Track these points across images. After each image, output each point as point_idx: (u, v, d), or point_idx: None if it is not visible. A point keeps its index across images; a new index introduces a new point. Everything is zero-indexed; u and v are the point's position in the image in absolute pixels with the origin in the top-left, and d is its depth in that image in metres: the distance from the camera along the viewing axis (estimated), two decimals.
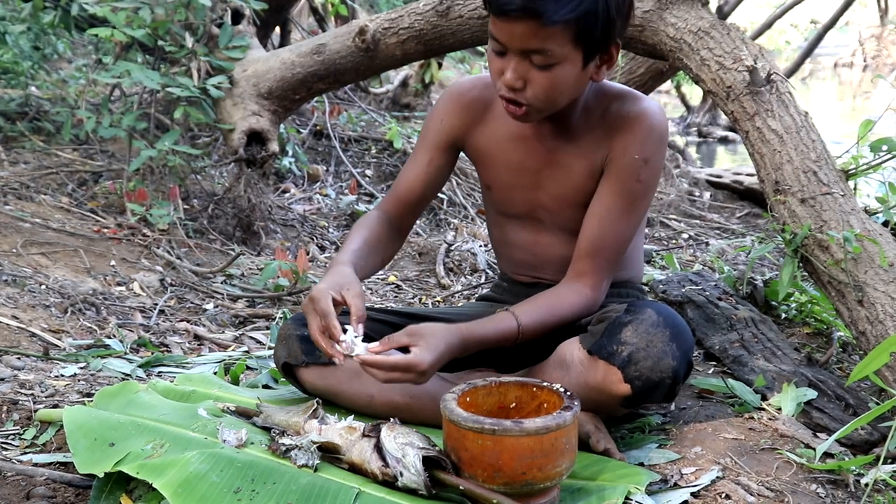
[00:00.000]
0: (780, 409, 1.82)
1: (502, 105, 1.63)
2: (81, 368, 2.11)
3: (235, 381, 2.06)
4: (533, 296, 1.73)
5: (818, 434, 1.73)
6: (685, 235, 4.37)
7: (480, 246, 3.69)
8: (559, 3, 1.46)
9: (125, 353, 2.27)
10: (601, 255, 1.72)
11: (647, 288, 2.85)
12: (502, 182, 1.83)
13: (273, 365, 2.03)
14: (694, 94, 9.76)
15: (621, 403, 1.59)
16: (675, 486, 1.52)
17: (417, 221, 4.23)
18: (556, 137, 1.73)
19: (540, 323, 1.67)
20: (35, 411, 1.77)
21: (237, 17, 3.83)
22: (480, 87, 1.80)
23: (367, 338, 1.76)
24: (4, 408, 1.79)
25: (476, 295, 3.06)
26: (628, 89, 1.74)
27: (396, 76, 6.22)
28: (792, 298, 2.54)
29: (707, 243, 4.16)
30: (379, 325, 1.83)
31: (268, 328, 2.68)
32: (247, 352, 2.39)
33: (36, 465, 1.57)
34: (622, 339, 1.55)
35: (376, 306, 1.96)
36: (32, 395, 1.88)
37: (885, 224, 2.13)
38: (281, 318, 2.66)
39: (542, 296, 1.73)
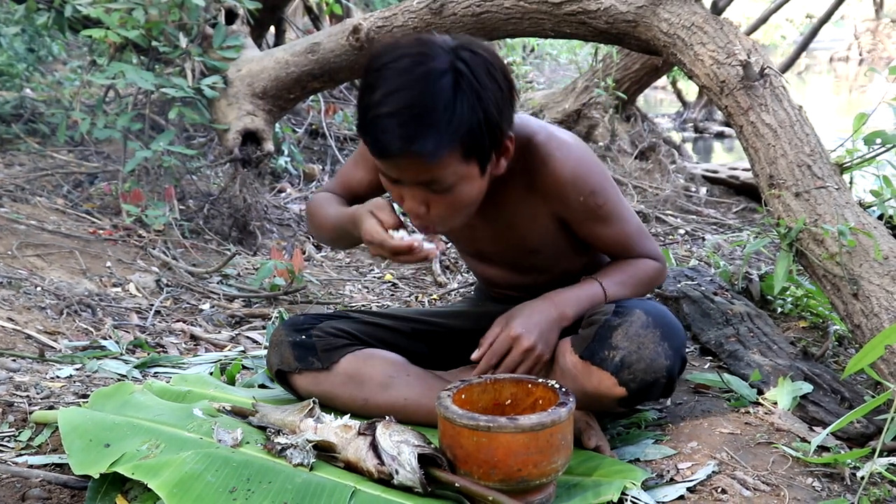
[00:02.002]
0: (775, 403, 1.82)
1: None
2: (77, 370, 2.11)
3: (231, 381, 2.06)
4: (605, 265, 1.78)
5: (814, 428, 1.73)
6: (681, 231, 4.37)
7: None
8: (438, 134, 1.37)
9: (121, 355, 2.26)
10: (630, 248, 1.76)
11: None
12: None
13: None
14: (690, 89, 9.75)
15: (617, 404, 1.59)
16: (671, 481, 1.51)
17: None
18: (487, 200, 1.62)
19: (619, 281, 1.72)
20: (30, 413, 1.76)
21: (231, 16, 3.83)
22: None
23: (356, 339, 1.77)
24: (0, 410, 1.78)
25: (465, 295, 3.06)
26: (531, 129, 1.62)
27: None
28: (787, 293, 2.54)
29: (703, 238, 4.16)
30: (371, 327, 1.83)
31: (264, 328, 2.68)
32: (243, 351, 2.38)
33: (31, 466, 1.56)
34: (613, 344, 1.54)
35: (367, 309, 1.97)
36: (28, 396, 1.87)
37: (880, 217, 2.13)
38: (277, 317, 2.66)
39: (612, 263, 1.78)
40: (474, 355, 1.63)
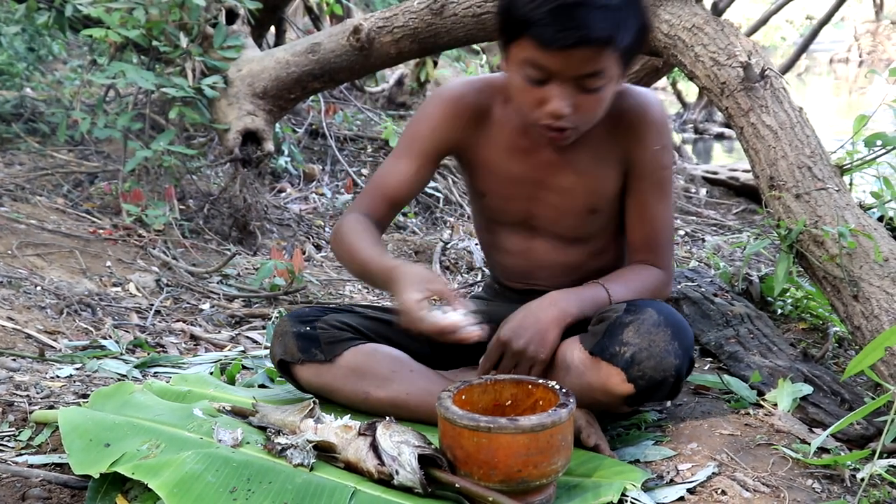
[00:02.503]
0: (775, 404, 1.82)
1: (539, 131, 1.59)
2: (77, 369, 2.11)
3: (231, 381, 2.06)
4: (610, 273, 1.77)
5: (814, 429, 1.73)
6: (681, 232, 4.37)
7: (476, 244, 3.69)
8: (628, 25, 1.45)
9: (121, 354, 2.26)
10: (658, 244, 1.78)
11: None
12: (498, 192, 1.80)
13: (269, 364, 2.03)
14: (690, 90, 9.76)
15: (624, 402, 1.59)
16: (671, 482, 1.51)
17: (414, 220, 4.24)
18: (562, 147, 1.68)
19: (625, 290, 1.72)
20: (30, 412, 1.76)
21: (232, 16, 3.82)
22: (474, 93, 1.74)
23: (360, 333, 1.78)
24: (0, 409, 1.78)
25: (470, 294, 3.06)
26: (622, 84, 1.67)
27: (392, 75, 6.22)
28: (787, 294, 2.55)
29: (703, 240, 4.17)
30: (375, 323, 1.82)
31: (264, 328, 2.68)
32: (243, 351, 2.38)
33: (31, 466, 1.56)
34: (624, 340, 1.54)
35: (367, 304, 1.97)
36: (28, 396, 1.87)
37: (880, 219, 2.13)
38: (277, 317, 2.66)
39: (619, 271, 1.79)
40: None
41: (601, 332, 1.59)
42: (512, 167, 1.75)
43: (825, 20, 8.27)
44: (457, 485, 1.35)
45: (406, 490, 1.38)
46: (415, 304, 1.49)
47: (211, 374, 2.09)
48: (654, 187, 1.74)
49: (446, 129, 1.76)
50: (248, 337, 2.61)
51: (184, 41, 3.47)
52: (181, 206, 3.61)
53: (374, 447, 1.41)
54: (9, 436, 1.70)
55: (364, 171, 4.82)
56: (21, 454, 1.63)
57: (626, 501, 1.42)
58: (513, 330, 1.63)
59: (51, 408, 1.79)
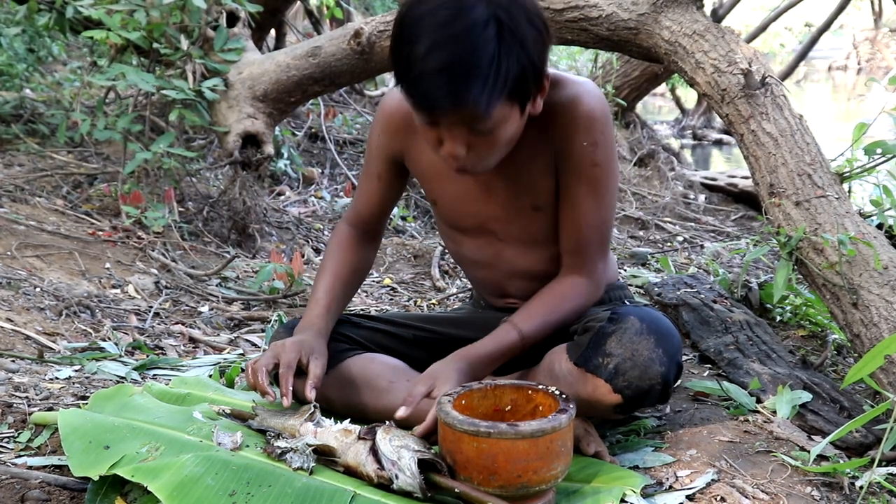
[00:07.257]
0: (774, 411, 1.82)
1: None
2: (76, 371, 2.11)
3: (230, 384, 2.06)
4: (532, 297, 1.71)
5: (813, 437, 1.73)
6: (680, 238, 4.38)
7: None
8: (487, 88, 1.37)
9: (120, 356, 2.26)
10: (587, 247, 1.70)
11: (642, 291, 2.86)
12: (448, 196, 1.76)
13: None
14: (689, 96, 9.78)
15: (614, 411, 1.59)
16: (670, 488, 1.52)
17: (413, 224, 4.24)
18: None
19: (542, 325, 1.67)
20: (30, 414, 1.76)
21: (232, 19, 3.82)
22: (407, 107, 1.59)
23: (357, 344, 1.77)
24: None
25: (463, 301, 3.06)
26: (558, 74, 1.61)
27: (391, 79, 6.22)
28: (787, 301, 2.55)
29: (702, 246, 4.17)
30: (371, 332, 1.83)
31: (263, 331, 2.68)
32: (242, 354, 2.38)
33: (30, 468, 1.56)
34: (607, 351, 1.54)
35: (364, 313, 1.97)
36: (27, 397, 1.87)
37: (880, 227, 2.14)
38: (276, 320, 2.66)
39: (540, 296, 1.71)
40: (401, 412, 1.58)
41: (585, 343, 1.58)
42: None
43: (824, 27, 8.29)
44: (456, 489, 1.35)
45: (405, 494, 1.38)
46: (255, 366, 1.63)
47: (210, 376, 2.09)
48: (584, 186, 1.64)
49: (386, 142, 1.76)
50: (247, 340, 2.61)
51: (184, 43, 3.47)
52: (180, 209, 3.60)
53: (374, 451, 1.41)
54: (8, 437, 1.70)
55: None
56: (20, 456, 1.62)
57: None
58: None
59: (50, 409, 1.79)
